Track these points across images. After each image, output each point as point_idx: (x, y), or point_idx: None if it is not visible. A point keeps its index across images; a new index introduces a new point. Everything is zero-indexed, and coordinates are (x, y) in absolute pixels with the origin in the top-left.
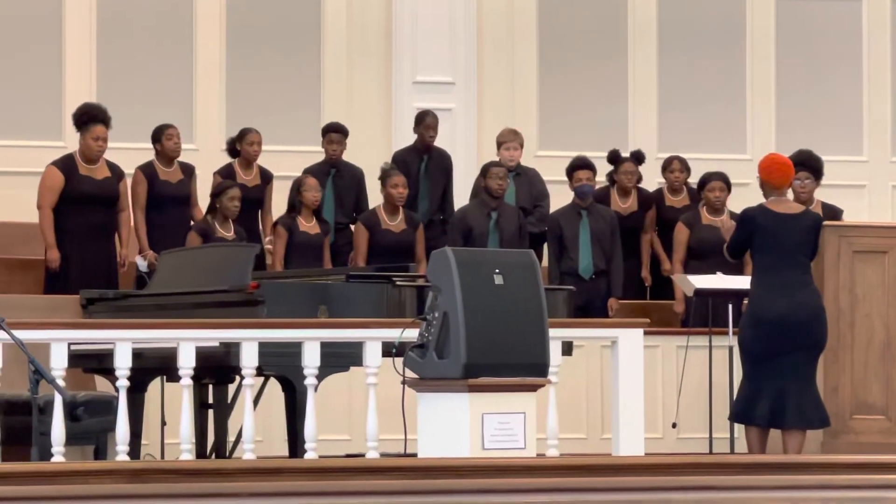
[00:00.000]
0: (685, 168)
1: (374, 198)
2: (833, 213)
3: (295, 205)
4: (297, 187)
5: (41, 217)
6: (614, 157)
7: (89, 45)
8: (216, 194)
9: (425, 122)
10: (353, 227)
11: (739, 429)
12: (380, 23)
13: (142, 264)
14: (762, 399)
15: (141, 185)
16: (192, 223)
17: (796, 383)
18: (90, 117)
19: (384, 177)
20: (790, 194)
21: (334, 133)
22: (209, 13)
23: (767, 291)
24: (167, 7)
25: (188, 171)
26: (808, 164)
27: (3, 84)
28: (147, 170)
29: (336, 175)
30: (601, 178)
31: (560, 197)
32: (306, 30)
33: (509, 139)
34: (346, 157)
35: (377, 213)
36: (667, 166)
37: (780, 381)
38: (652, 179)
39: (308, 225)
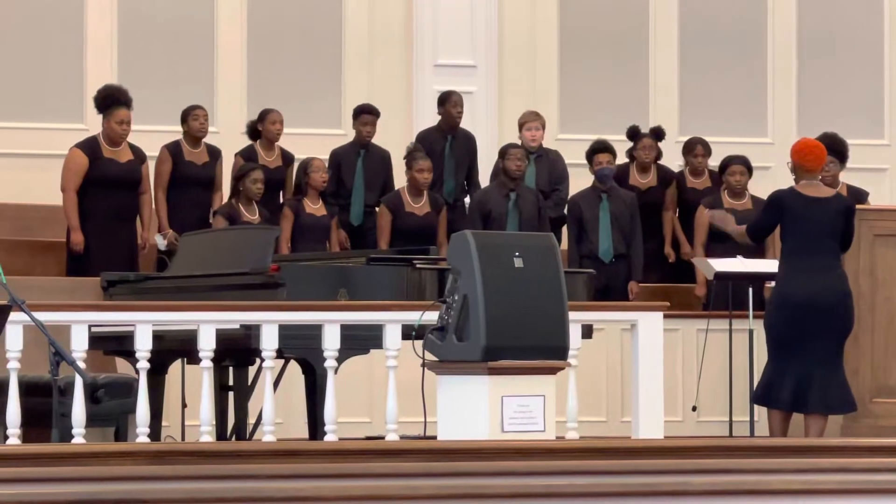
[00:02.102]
0: (707, 151)
1: (398, 180)
2: (859, 196)
3: (301, 186)
4: (303, 169)
5: (65, 199)
6: (633, 133)
7: (110, 26)
8: (239, 177)
9: (451, 99)
10: (377, 209)
11: (759, 412)
12: (401, 5)
13: (161, 243)
14: (786, 382)
15: (165, 164)
16: (212, 206)
17: (822, 368)
18: (113, 100)
19: (410, 159)
20: None
21: (367, 114)
22: None
23: (796, 273)
24: None
25: (215, 154)
26: (833, 148)
27: (24, 67)
28: (173, 149)
29: (366, 156)
30: (622, 160)
31: (581, 180)
32: (327, 12)
33: (531, 119)
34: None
35: (401, 195)
36: (689, 149)
37: (806, 366)
38: (673, 162)
39: (314, 207)
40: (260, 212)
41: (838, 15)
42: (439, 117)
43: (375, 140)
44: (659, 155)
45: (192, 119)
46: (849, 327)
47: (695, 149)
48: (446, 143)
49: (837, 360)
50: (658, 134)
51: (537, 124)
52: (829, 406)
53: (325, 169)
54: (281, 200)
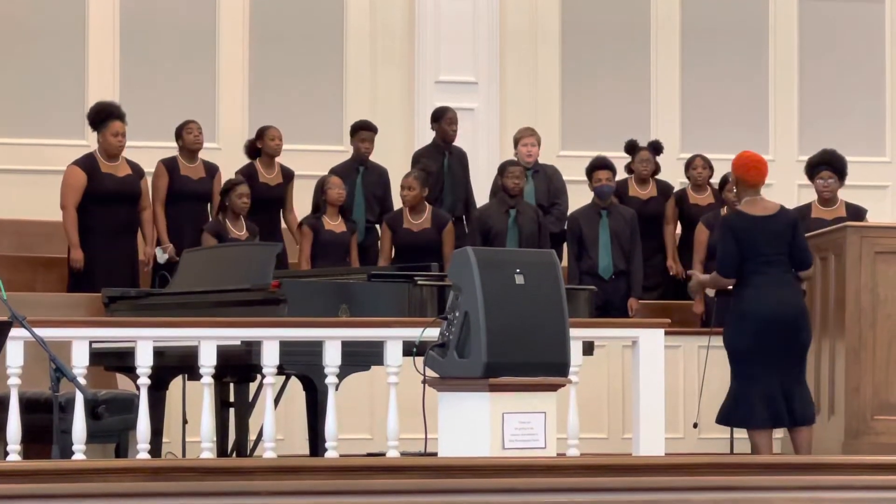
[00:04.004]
0: (708, 165)
1: (397, 196)
2: (857, 212)
3: (320, 205)
4: (320, 186)
5: (65, 216)
6: (631, 147)
7: (112, 43)
8: (225, 192)
9: (447, 116)
10: (378, 226)
11: None
12: (403, 22)
13: (161, 256)
14: (759, 399)
15: (162, 179)
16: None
17: (794, 382)
18: (107, 114)
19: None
20: (813, 193)
21: (365, 131)
22: (232, 13)
23: (755, 290)
24: (190, 6)
25: (211, 171)
26: (832, 164)
27: (27, 83)
28: (169, 163)
29: (365, 173)
30: (621, 175)
31: (582, 197)
32: (329, 29)
33: (527, 135)
34: (371, 156)
35: (402, 212)
36: (690, 163)
37: (776, 380)
38: (674, 179)
39: (333, 224)
40: (248, 227)
41: (840, 34)
42: (433, 133)
43: (378, 156)
44: (657, 169)
45: (186, 133)
46: (809, 341)
47: (694, 161)
48: (444, 159)
49: (804, 374)
50: (656, 148)
51: (533, 140)
52: (809, 418)
53: (342, 185)
54: (282, 218)
